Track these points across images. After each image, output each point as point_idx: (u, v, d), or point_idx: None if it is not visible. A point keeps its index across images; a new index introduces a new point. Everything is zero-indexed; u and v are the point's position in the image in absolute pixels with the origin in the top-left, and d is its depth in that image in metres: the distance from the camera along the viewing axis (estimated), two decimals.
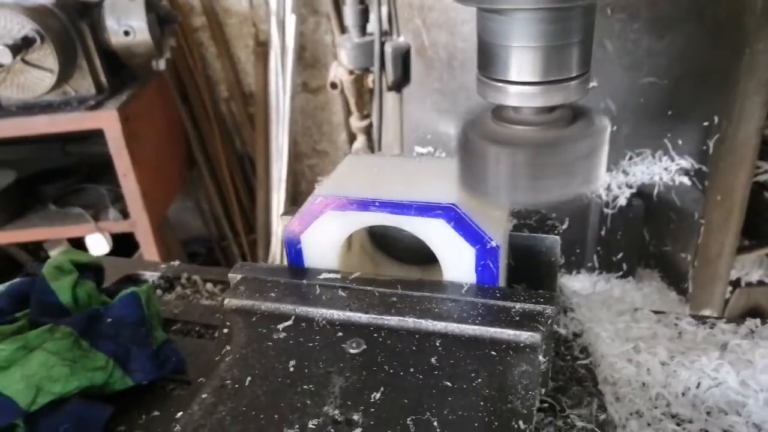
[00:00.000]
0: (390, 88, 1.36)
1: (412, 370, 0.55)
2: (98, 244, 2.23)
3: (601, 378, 0.75)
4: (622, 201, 1.29)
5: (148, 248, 2.28)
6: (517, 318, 0.59)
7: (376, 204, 0.63)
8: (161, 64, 2.22)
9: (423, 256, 0.67)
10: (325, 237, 0.66)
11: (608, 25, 1.27)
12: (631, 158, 1.33)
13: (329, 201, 0.64)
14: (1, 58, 1.90)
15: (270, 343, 0.60)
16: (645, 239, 1.38)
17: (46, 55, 2.00)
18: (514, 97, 0.54)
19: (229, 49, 2.69)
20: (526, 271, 0.73)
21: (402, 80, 1.37)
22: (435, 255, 0.64)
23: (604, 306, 0.86)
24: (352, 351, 0.58)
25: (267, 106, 2.64)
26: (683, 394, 0.75)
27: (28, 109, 2.12)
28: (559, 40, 0.52)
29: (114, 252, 2.31)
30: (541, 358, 0.56)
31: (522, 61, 0.52)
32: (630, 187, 1.32)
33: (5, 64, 1.93)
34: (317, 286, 0.65)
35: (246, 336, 0.61)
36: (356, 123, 1.62)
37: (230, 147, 2.83)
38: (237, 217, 2.84)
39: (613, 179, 1.34)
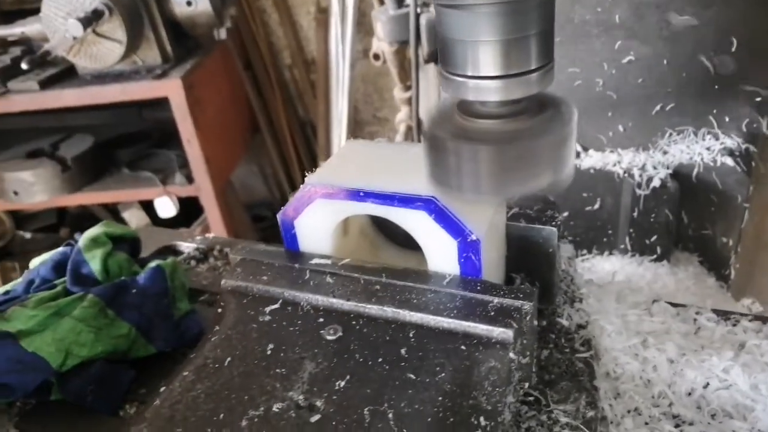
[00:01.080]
0: (427, 61, 1.34)
1: (380, 360, 0.57)
2: (166, 207, 2.36)
3: (602, 373, 0.74)
4: (656, 182, 1.23)
5: (212, 211, 2.38)
6: (492, 313, 0.59)
7: (361, 194, 0.64)
8: (222, 33, 2.28)
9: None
10: (316, 223, 0.68)
11: None
12: (670, 136, 1.26)
13: (318, 189, 0.66)
14: (73, 31, 2.02)
15: (254, 325, 0.63)
16: (683, 221, 1.32)
17: (115, 27, 2.10)
18: (474, 91, 0.53)
19: (291, 17, 2.72)
20: (524, 261, 0.72)
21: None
22: None
23: (619, 297, 0.84)
24: (328, 337, 0.60)
25: (328, 73, 2.67)
26: (689, 395, 0.72)
27: (102, 78, 2.24)
28: (517, 32, 0.50)
29: (181, 215, 2.44)
30: (512, 354, 0.56)
31: (480, 56, 0.51)
32: (666, 167, 1.25)
33: (77, 36, 2.04)
34: (307, 271, 0.67)
35: (235, 317, 0.64)
36: (399, 94, 1.61)
37: (292, 113, 2.88)
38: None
39: (648, 158, 1.28)
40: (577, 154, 1.41)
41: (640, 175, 1.26)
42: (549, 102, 0.58)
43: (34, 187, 2.34)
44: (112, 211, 2.89)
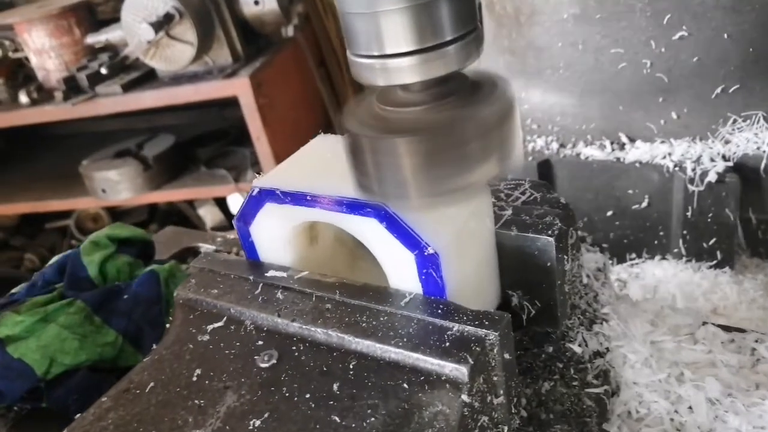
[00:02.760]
0: None
1: (308, 396, 0.47)
2: (238, 204, 2.37)
3: (620, 412, 0.60)
4: (711, 176, 1.03)
5: None
6: (447, 343, 0.47)
7: (308, 198, 0.55)
8: (290, 31, 2.26)
9: None
10: (272, 230, 0.59)
11: None
12: (734, 122, 1.06)
13: (265, 193, 0.57)
14: (145, 35, 2.07)
15: (191, 346, 0.55)
16: (751, 222, 1.10)
17: (186, 29, 2.13)
18: (383, 73, 0.43)
19: None
20: (522, 276, 0.60)
21: None
22: None
23: (656, 318, 0.68)
24: (261, 364, 0.51)
25: None
26: None
27: (177, 79, 2.29)
28: None
29: None
30: (464, 397, 0.45)
31: (383, 29, 0.41)
32: (726, 159, 1.05)
33: (150, 40, 2.09)
34: (260, 284, 0.59)
35: (175, 335, 0.57)
36: None
37: None
38: None
39: (706, 149, 1.08)
40: (622, 146, 1.23)
41: (693, 169, 1.07)
42: (482, 80, 0.46)
43: (120, 185, 2.44)
44: (193, 208, 2.98)
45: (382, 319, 0.51)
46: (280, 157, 2.29)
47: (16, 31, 2.41)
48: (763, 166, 1.08)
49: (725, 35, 1.07)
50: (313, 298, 0.56)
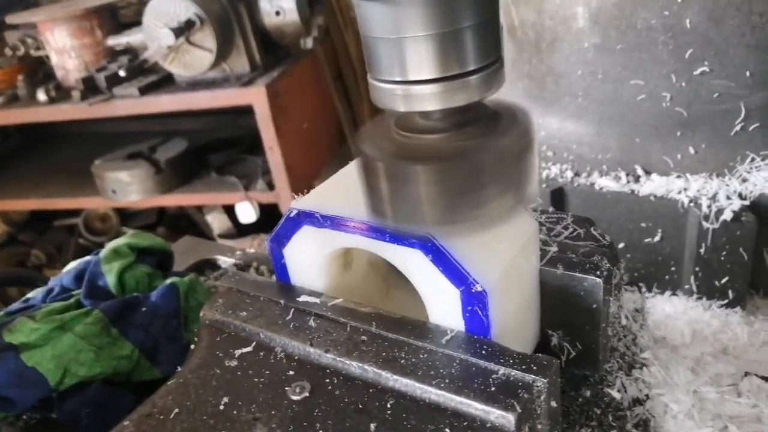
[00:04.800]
0: None
1: None
2: (246, 213, 2.34)
3: None
4: (727, 214, 1.00)
5: None
6: (493, 388, 0.44)
7: (349, 224, 0.52)
8: (309, 43, 2.23)
9: None
10: (307, 254, 0.56)
11: None
12: (753, 161, 1.03)
13: (304, 216, 0.54)
14: (165, 40, 2.05)
15: (218, 371, 0.52)
16: (765, 263, 1.07)
17: (206, 36, 2.10)
18: (404, 100, 0.41)
19: None
20: (564, 316, 0.57)
21: None
22: None
23: (696, 366, 0.65)
24: (292, 396, 0.48)
25: None
26: None
27: (195, 85, 2.27)
28: (446, 25, 0.39)
29: (263, 221, 2.41)
30: None
31: (407, 56, 0.40)
32: (743, 197, 1.02)
33: (170, 45, 2.07)
34: (292, 309, 0.56)
35: (201, 358, 0.54)
36: None
37: None
38: None
39: (722, 187, 1.05)
40: (637, 178, 1.21)
41: (709, 206, 1.05)
42: (502, 110, 0.45)
43: (130, 187, 2.41)
44: (202, 214, 2.95)
45: (421, 356, 0.48)
46: (291, 167, 2.26)
47: (39, 29, 2.39)
48: None
49: (747, 73, 1.05)
50: (348, 329, 0.52)
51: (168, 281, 0.81)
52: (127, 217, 2.99)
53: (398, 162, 0.43)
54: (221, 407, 0.48)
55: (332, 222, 0.52)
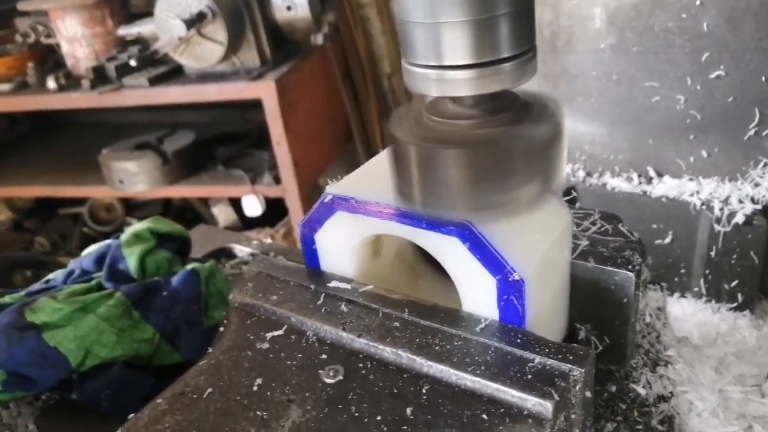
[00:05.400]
0: None
1: (378, 418, 0.44)
2: (252, 206, 2.34)
3: None
4: (739, 218, 1.01)
5: (296, 214, 2.33)
6: (530, 376, 0.44)
7: (386, 211, 0.52)
8: (319, 39, 2.23)
9: None
10: (339, 239, 0.56)
11: None
12: (765, 166, 1.04)
13: (338, 201, 0.54)
14: (176, 31, 2.04)
15: (249, 353, 0.52)
16: None
17: (217, 29, 2.10)
18: (438, 84, 0.42)
19: (394, 26, 2.64)
20: (592, 310, 0.57)
21: None
22: None
23: (720, 365, 0.65)
24: (326, 380, 0.48)
25: None
26: None
27: (204, 77, 2.26)
28: (481, 13, 0.39)
29: (269, 215, 2.41)
30: None
31: (440, 41, 0.40)
32: (755, 201, 1.03)
33: (181, 36, 2.07)
34: (323, 294, 0.56)
35: (231, 340, 0.54)
36: None
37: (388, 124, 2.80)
38: None
39: (735, 191, 1.06)
40: (649, 180, 1.21)
41: (721, 209, 1.05)
42: (532, 101, 0.45)
43: (137, 177, 2.40)
44: (209, 206, 2.94)
45: (456, 343, 0.48)
46: (298, 162, 2.26)
47: (51, 17, 2.38)
48: None
49: (763, 78, 1.06)
50: (380, 315, 0.52)
51: (189, 267, 0.81)
52: (132, 207, 2.98)
53: (428, 145, 0.43)
54: (254, 388, 0.48)
55: (367, 208, 0.52)
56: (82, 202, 2.85)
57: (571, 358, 0.45)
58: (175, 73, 2.33)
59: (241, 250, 1.01)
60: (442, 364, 0.47)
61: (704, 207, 1.09)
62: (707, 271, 1.16)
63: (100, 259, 0.85)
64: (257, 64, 2.22)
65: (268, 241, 1.03)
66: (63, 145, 3.02)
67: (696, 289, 1.20)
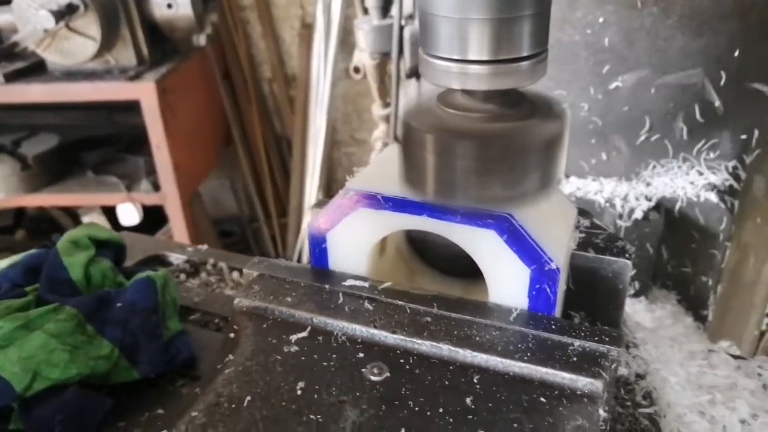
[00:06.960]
0: (408, 76, 1.24)
1: (441, 410, 0.45)
2: (129, 215, 2.16)
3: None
4: (638, 213, 1.15)
5: (177, 223, 2.20)
6: (575, 358, 0.47)
7: (417, 205, 0.52)
8: (201, 40, 2.13)
9: (467, 268, 0.56)
10: (354, 237, 0.56)
11: (638, 18, 1.13)
12: (654, 168, 1.20)
13: (361, 197, 0.54)
14: (44, 23, 1.84)
15: (279, 357, 0.49)
16: (662, 257, 1.24)
17: (90, 23, 1.93)
18: (460, 78, 0.44)
19: (274, 30, 2.59)
20: (586, 297, 0.61)
21: None
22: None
23: (674, 344, 0.74)
24: (372, 378, 0.47)
25: (308, 90, 2.54)
26: None
27: (72, 75, 2.06)
28: (506, 12, 0.42)
29: (144, 224, 2.25)
30: (601, 411, 0.45)
31: (466, 36, 0.42)
32: (649, 199, 1.18)
33: (49, 29, 1.87)
34: (341, 293, 0.54)
35: (253, 345, 0.51)
36: (377, 111, 1.50)
37: (269, 128, 2.74)
38: (270, 198, 2.75)
39: (631, 189, 1.21)
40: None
41: (622, 206, 1.19)
42: (538, 100, 0.49)
43: None
44: (72, 215, 2.67)
45: (494, 333, 0.50)
46: (179, 167, 2.14)
47: None
48: (677, 207, 1.21)
49: (652, 90, 1.19)
50: (407, 310, 0.52)
51: (143, 275, 0.74)
52: None
53: (440, 134, 0.45)
54: (298, 392, 0.46)
55: (394, 203, 0.52)
56: None
57: (607, 339, 0.48)
58: (34, 70, 2.10)
59: (177, 258, 0.94)
60: (487, 354, 0.48)
61: (608, 204, 1.21)
62: None
63: (30, 271, 0.75)
64: (133, 63, 2.07)
65: (204, 247, 0.97)
66: None
67: None
